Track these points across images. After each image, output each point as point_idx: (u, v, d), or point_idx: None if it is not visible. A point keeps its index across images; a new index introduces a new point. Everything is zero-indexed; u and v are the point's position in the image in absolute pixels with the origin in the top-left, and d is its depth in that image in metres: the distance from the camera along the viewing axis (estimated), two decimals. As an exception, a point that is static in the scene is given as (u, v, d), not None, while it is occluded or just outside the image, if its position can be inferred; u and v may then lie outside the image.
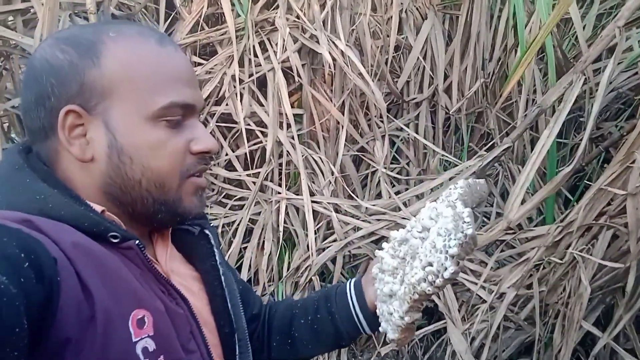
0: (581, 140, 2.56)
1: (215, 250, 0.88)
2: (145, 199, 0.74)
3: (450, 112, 2.64)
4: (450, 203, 0.79)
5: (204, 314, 0.82)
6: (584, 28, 2.64)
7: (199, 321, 0.78)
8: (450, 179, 2.26)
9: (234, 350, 0.84)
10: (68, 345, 0.58)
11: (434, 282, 0.75)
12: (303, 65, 2.30)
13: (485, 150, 2.46)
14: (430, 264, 0.75)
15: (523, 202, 2.05)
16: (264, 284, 2.31)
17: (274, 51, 2.28)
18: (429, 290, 0.76)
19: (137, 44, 0.73)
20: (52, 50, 0.73)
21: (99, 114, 0.71)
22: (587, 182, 2.34)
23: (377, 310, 0.88)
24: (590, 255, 1.88)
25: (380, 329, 0.88)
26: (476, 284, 2.05)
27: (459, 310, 2.12)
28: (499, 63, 2.72)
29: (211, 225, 0.91)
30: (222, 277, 0.86)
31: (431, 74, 2.65)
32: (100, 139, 0.72)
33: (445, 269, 0.74)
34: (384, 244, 0.88)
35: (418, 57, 2.61)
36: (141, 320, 0.66)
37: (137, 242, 0.70)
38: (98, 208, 0.71)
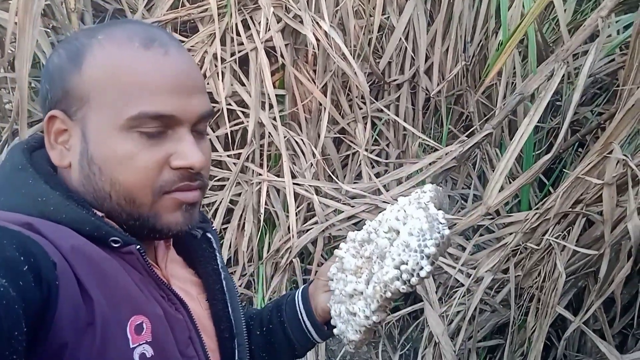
0: (558, 124, 2.61)
1: (217, 254, 0.87)
2: (118, 213, 0.71)
3: (431, 94, 2.65)
4: (421, 205, 0.79)
5: (203, 319, 0.81)
6: (564, 12, 2.65)
7: (198, 327, 0.77)
8: (430, 164, 2.29)
9: (233, 356, 0.84)
10: (66, 349, 0.58)
11: (409, 280, 0.75)
12: (286, 45, 2.27)
13: (465, 135, 2.49)
14: (405, 263, 0.75)
15: (501, 188, 2.09)
16: (244, 264, 2.32)
17: (257, 30, 2.24)
18: (402, 288, 0.76)
19: (119, 48, 0.69)
20: (53, 54, 0.72)
21: (79, 121, 0.70)
22: (563, 169, 2.39)
23: (332, 312, 0.86)
24: (566, 241, 1.93)
25: (335, 331, 0.86)
26: (454, 267, 2.09)
27: (436, 293, 2.17)
28: (480, 46, 2.73)
29: (213, 228, 0.90)
30: (224, 282, 0.86)
31: (413, 55, 2.64)
32: (77, 146, 0.70)
33: (422, 267, 0.74)
34: (342, 244, 0.87)
35: (400, 38, 2.60)
36: (139, 327, 0.66)
37: (137, 247, 0.69)
38: (99, 212, 0.70)
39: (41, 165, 0.72)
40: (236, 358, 0.84)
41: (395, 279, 0.76)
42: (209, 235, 0.88)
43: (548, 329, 2.08)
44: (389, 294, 0.77)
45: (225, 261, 2.29)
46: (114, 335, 0.63)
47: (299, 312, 0.93)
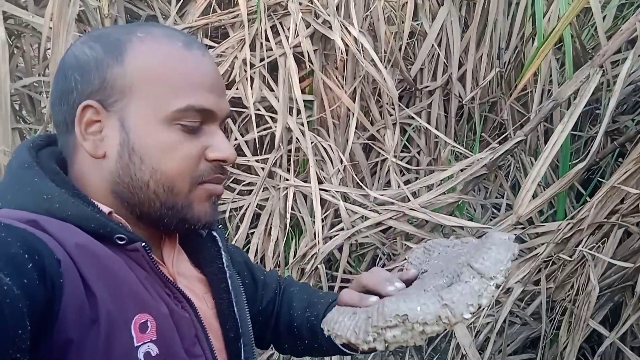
0: (596, 133, 2.52)
1: (223, 252, 0.87)
2: (153, 202, 0.73)
3: (464, 101, 2.60)
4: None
5: (209, 318, 0.81)
6: (604, 19, 2.57)
7: (204, 325, 0.76)
8: (461, 170, 2.24)
9: (239, 356, 0.83)
10: (70, 346, 0.58)
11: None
12: (315, 50, 2.27)
13: (498, 142, 2.43)
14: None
15: (535, 196, 2.02)
16: (270, 269, 2.31)
17: (286, 36, 2.25)
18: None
19: (163, 46, 0.72)
20: (82, 46, 0.74)
21: (116, 112, 0.71)
22: (600, 179, 2.30)
23: None
24: (600, 253, 1.85)
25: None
26: (483, 277, 2.03)
27: (464, 303, 2.11)
28: (516, 52, 2.67)
29: (219, 227, 0.90)
30: (229, 281, 0.85)
31: (445, 61, 2.60)
32: (114, 136, 0.72)
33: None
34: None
35: (433, 44, 2.56)
36: (144, 325, 0.66)
37: (143, 244, 0.70)
38: (105, 209, 0.71)
39: (47, 163, 0.73)
40: (242, 358, 0.83)
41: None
42: (214, 234, 0.88)
43: (582, 345, 2.00)
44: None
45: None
46: (119, 333, 0.63)
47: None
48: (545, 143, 2.51)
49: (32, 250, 0.55)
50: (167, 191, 0.72)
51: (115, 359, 0.62)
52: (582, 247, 1.87)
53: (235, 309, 0.84)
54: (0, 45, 2.01)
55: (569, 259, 1.91)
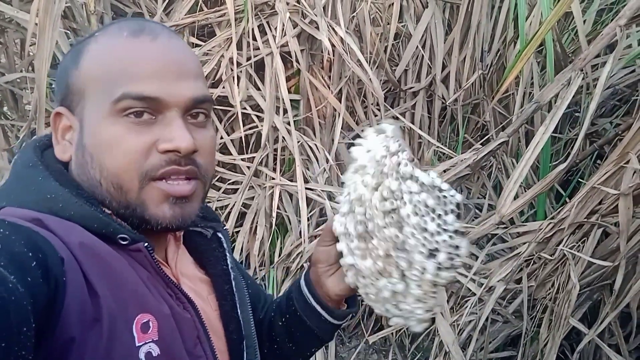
0: (575, 135, 2.58)
1: (227, 254, 0.86)
2: (109, 201, 0.70)
3: (447, 103, 2.64)
4: (404, 174, 0.69)
5: (212, 320, 0.80)
6: (584, 23, 2.63)
7: (206, 326, 0.76)
8: (444, 171, 2.27)
9: (242, 358, 0.82)
10: (72, 345, 0.58)
11: (452, 265, 0.67)
12: (302, 50, 2.28)
13: (480, 143, 2.47)
14: (436, 251, 0.67)
15: (516, 197, 2.06)
16: (255, 268, 2.32)
17: (273, 35, 2.26)
18: (450, 274, 0.68)
19: (109, 40, 0.71)
20: (63, 57, 0.76)
21: (78, 114, 0.71)
22: (580, 180, 2.36)
23: (379, 311, 0.79)
24: (580, 252, 1.90)
25: (395, 321, 0.78)
26: (466, 276, 2.07)
27: (447, 302, 2.14)
28: (498, 55, 2.71)
29: (224, 228, 0.89)
30: (233, 282, 0.84)
31: (429, 63, 2.64)
32: (75, 138, 0.72)
33: (457, 246, 0.66)
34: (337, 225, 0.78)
35: (417, 46, 2.59)
36: (146, 325, 0.65)
37: (145, 244, 0.69)
38: (108, 209, 0.71)
39: (52, 162, 0.73)
40: None
41: (437, 270, 0.67)
42: (219, 235, 0.87)
43: (562, 342, 2.04)
44: (442, 282, 0.69)
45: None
46: (120, 332, 0.62)
47: (308, 300, 0.89)
48: (527, 145, 2.57)
49: (36, 249, 0.56)
50: (117, 189, 0.69)
51: (116, 358, 0.62)
52: (563, 247, 1.92)
53: (239, 310, 0.84)
54: (-17, 40, 1.99)
55: (550, 257, 1.95)
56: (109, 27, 0.74)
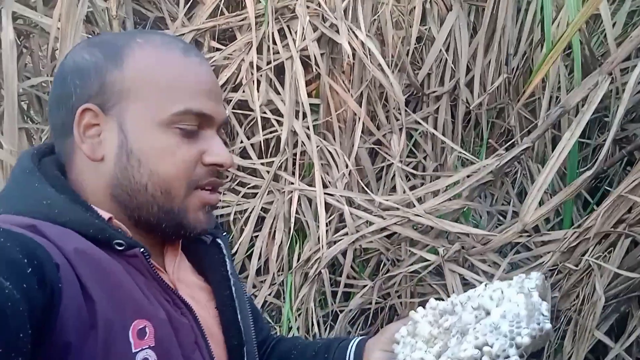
0: (604, 141, 2.50)
1: (227, 260, 0.87)
2: (151, 206, 0.73)
3: (471, 107, 2.58)
4: (523, 290, 0.73)
5: (211, 327, 0.81)
6: (613, 26, 2.55)
7: (204, 332, 0.76)
8: (467, 177, 2.22)
9: None
10: (69, 351, 0.58)
11: None
12: (322, 54, 2.26)
13: (504, 148, 2.41)
14: (489, 345, 0.68)
15: (541, 204, 2.01)
16: (274, 273, 2.31)
17: (293, 39, 2.25)
18: None
19: (162, 51, 0.74)
20: (81, 52, 0.76)
21: (115, 115, 0.73)
22: (608, 187, 2.28)
23: None
24: (607, 263, 1.83)
25: None
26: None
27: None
28: (524, 58, 2.65)
29: (224, 234, 0.91)
30: (233, 288, 0.85)
31: (453, 67, 2.59)
32: (113, 139, 0.73)
33: (507, 356, 0.67)
34: (420, 309, 0.82)
35: (440, 49, 2.55)
36: (142, 331, 0.66)
37: (142, 250, 0.70)
38: (105, 215, 0.72)
39: (49, 169, 0.75)
40: None
41: (472, 359, 0.69)
42: (219, 241, 0.88)
43: (588, 355, 1.98)
44: None
45: (255, 270, 2.29)
46: (117, 339, 0.63)
47: None
48: (553, 150, 2.50)
49: (32, 256, 0.56)
50: (164, 194, 0.73)
51: None
52: (588, 257, 1.85)
53: (239, 317, 0.84)
54: (9, 45, 2.02)
55: (575, 268, 1.89)
56: (150, 35, 0.77)
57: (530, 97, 2.56)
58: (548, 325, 0.69)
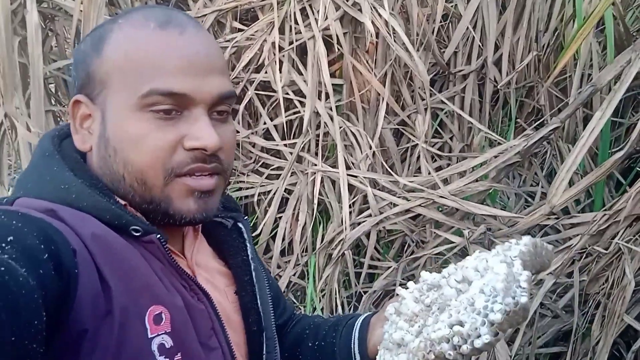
0: (638, 120, 2.41)
1: (248, 244, 0.85)
2: (132, 196, 0.70)
3: (499, 86, 2.52)
4: (506, 259, 0.65)
5: (229, 312, 0.80)
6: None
7: (221, 318, 0.75)
8: (494, 157, 2.17)
9: (261, 350, 0.81)
10: (85, 336, 0.58)
11: (459, 347, 0.61)
12: (344, 34, 2.23)
13: (533, 128, 2.35)
14: (461, 324, 0.61)
15: (571, 185, 1.95)
16: (298, 254, 2.31)
17: (315, 19, 2.21)
18: (449, 354, 0.61)
19: (135, 30, 0.69)
20: (80, 43, 0.75)
21: (100, 104, 0.71)
22: (641, 168, 2.21)
23: (377, 357, 0.74)
24: (637, 246, 1.78)
25: None
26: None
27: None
28: (555, 34, 2.56)
29: (245, 218, 0.88)
30: (253, 273, 0.83)
31: (480, 44, 2.52)
32: (97, 129, 0.71)
33: (479, 335, 0.60)
34: (410, 284, 0.75)
35: (467, 27, 2.48)
36: (158, 317, 0.65)
37: (158, 236, 0.69)
38: (122, 201, 0.71)
39: (69, 153, 0.74)
40: (264, 352, 0.82)
41: (444, 340, 0.62)
42: (240, 225, 0.86)
43: (617, 340, 1.93)
44: (432, 356, 0.63)
45: (279, 251, 2.29)
46: (133, 324, 0.63)
47: (352, 340, 0.87)
48: (584, 130, 2.43)
49: (48, 241, 0.56)
50: (141, 184, 0.69)
51: (128, 350, 0.62)
52: (618, 240, 1.80)
53: (259, 302, 0.82)
54: (33, 28, 2.04)
55: (604, 251, 1.84)
56: (132, 13, 0.72)
57: (560, 74, 2.48)
58: (524, 299, 0.59)
